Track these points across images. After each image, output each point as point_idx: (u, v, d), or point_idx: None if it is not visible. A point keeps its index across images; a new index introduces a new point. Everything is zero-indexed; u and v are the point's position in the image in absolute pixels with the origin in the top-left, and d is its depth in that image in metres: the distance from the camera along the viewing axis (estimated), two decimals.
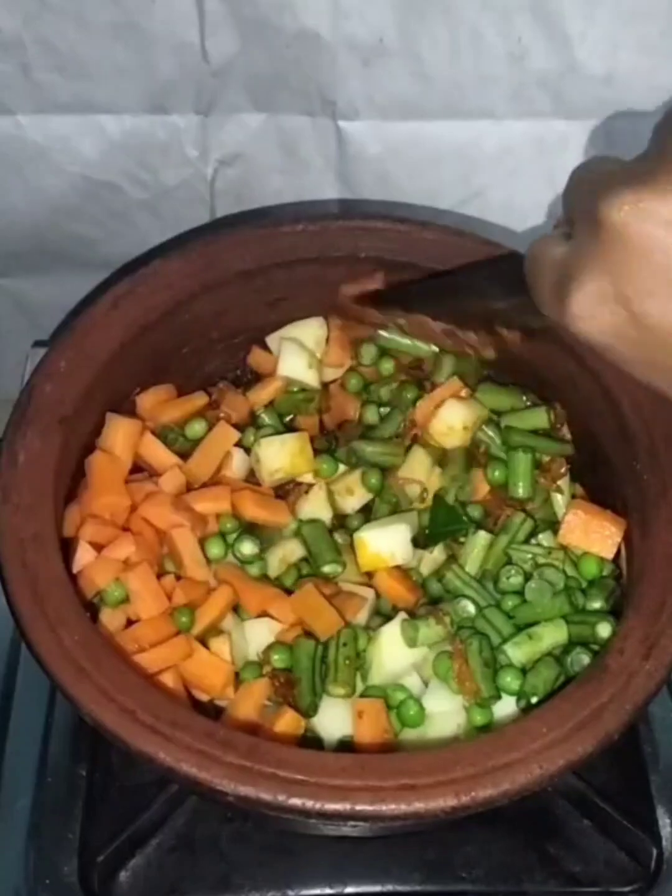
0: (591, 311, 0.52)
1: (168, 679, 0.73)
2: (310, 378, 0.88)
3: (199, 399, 0.86)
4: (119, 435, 0.80)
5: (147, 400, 0.84)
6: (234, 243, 0.84)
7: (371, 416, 0.87)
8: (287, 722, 0.72)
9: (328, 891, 0.76)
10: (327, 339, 0.90)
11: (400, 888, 0.77)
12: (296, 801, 0.60)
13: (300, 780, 0.61)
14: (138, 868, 0.76)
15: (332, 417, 0.89)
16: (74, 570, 0.74)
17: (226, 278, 0.84)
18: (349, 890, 0.76)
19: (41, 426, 0.73)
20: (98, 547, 0.76)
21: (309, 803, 0.60)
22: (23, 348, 1.05)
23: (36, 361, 0.78)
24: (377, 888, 0.77)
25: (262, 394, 0.88)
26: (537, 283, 0.57)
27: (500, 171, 0.98)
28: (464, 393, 0.86)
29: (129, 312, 0.80)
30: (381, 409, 0.88)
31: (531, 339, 0.79)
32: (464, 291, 0.78)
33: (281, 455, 0.81)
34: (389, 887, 0.77)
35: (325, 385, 0.90)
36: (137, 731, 0.62)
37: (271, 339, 0.90)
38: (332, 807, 0.60)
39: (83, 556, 0.75)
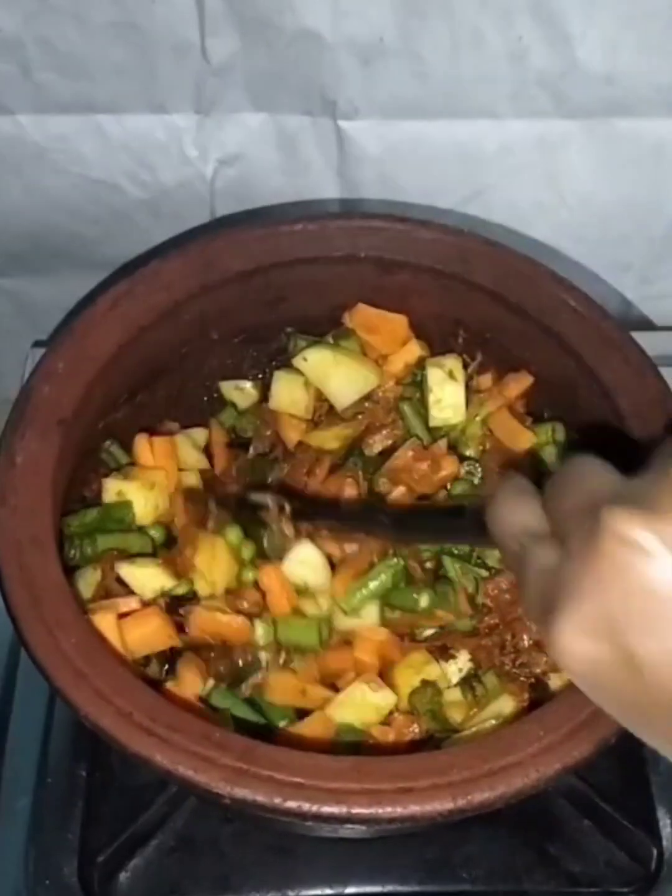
0: (577, 638, 0.46)
1: None
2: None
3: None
4: None
5: None
6: (233, 243, 0.84)
7: None
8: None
9: (328, 891, 0.76)
10: None
11: (400, 888, 0.77)
12: (292, 804, 0.60)
13: (296, 783, 0.60)
14: (138, 868, 0.76)
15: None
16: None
17: (225, 278, 0.83)
18: (349, 890, 0.76)
19: (39, 428, 0.73)
20: None
21: (305, 806, 0.60)
22: (23, 348, 1.05)
23: (36, 361, 0.78)
24: (377, 888, 0.77)
25: None
26: (524, 582, 0.52)
27: (501, 171, 0.98)
28: None
29: (128, 313, 0.79)
30: None
31: None
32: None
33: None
34: (390, 887, 0.77)
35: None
36: (134, 733, 0.61)
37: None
38: (328, 810, 0.60)
39: None
